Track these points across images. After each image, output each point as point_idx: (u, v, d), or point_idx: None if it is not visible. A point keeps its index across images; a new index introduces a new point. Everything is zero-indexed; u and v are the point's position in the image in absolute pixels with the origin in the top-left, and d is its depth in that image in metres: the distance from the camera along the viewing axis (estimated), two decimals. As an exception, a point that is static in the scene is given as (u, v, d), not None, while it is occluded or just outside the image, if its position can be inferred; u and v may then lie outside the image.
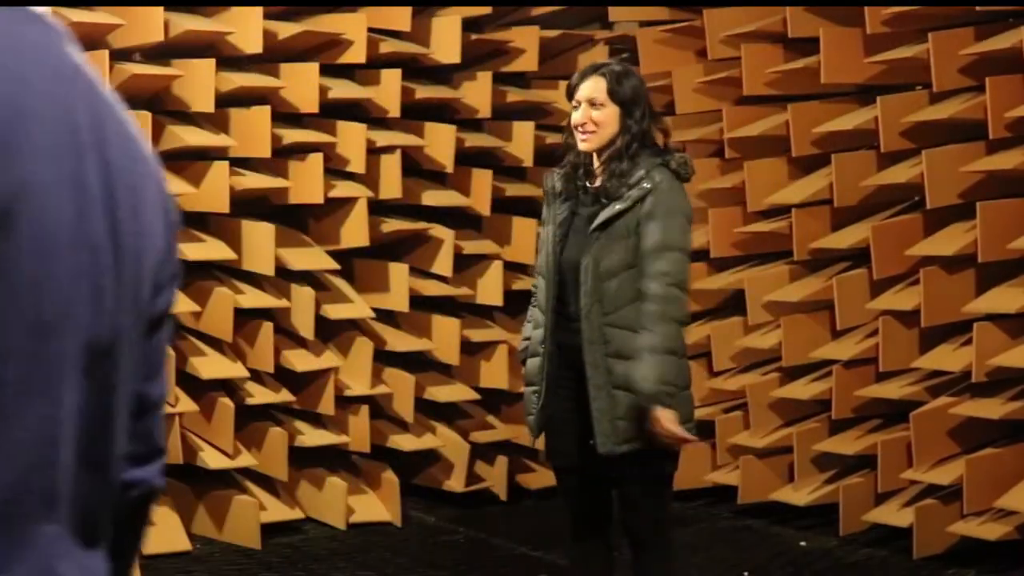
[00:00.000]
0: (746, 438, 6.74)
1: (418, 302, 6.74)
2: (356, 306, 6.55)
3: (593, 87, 4.27)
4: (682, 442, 4.22)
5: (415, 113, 6.73)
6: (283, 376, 6.40)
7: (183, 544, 6.12)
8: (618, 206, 4.20)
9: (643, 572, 4.39)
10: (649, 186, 4.19)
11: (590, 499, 4.41)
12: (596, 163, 4.33)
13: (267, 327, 6.25)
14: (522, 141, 6.98)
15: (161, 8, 5.91)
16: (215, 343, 6.22)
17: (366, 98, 6.55)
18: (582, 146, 4.28)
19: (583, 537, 4.45)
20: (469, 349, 6.90)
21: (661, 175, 4.23)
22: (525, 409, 4.45)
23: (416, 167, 6.77)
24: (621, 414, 4.17)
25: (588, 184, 4.34)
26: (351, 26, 6.40)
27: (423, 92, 6.73)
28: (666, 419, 4.14)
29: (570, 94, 4.33)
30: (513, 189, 7.08)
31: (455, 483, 6.86)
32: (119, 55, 5.95)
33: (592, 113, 4.25)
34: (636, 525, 4.36)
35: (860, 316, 6.37)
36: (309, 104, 6.33)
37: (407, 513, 6.69)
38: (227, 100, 6.16)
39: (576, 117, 4.28)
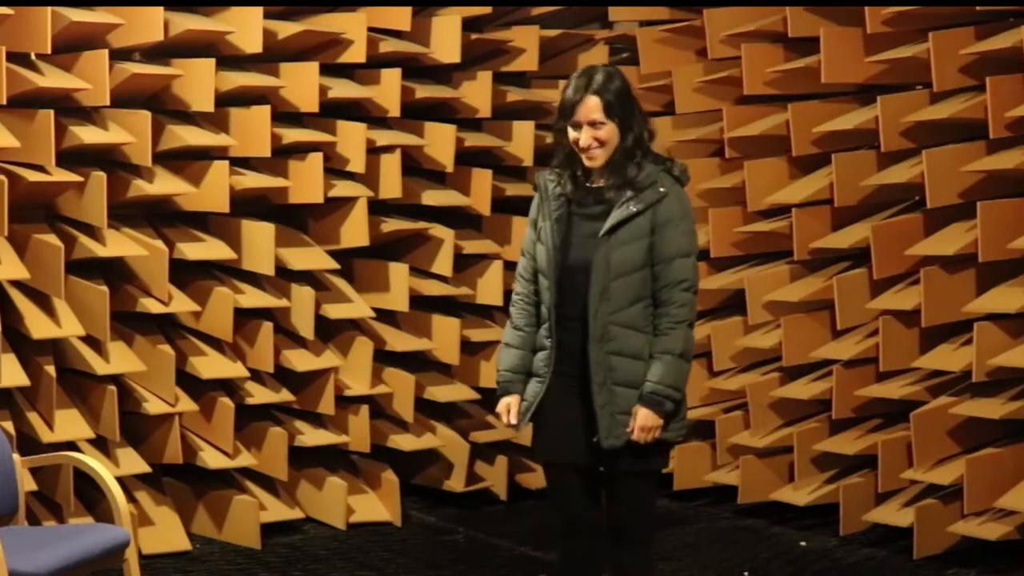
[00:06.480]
0: (746, 438, 6.74)
1: (418, 302, 6.75)
2: (356, 306, 6.55)
3: (591, 108, 4.28)
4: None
5: (415, 113, 6.73)
6: (283, 376, 6.40)
7: (183, 544, 6.13)
8: (633, 207, 4.26)
9: (626, 566, 4.42)
10: (664, 190, 4.28)
11: (585, 496, 4.45)
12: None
13: (267, 327, 6.26)
14: (522, 141, 6.98)
15: (161, 8, 5.92)
16: (215, 343, 6.22)
17: (366, 98, 6.55)
18: (590, 164, 4.32)
19: (575, 535, 4.48)
20: (469, 349, 6.90)
21: (670, 181, 4.33)
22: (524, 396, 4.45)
23: (416, 167, 6.77)
24: (620, 409, 4.28)
25: (589, 184, 4.37)
26: (351, 26, 6.40)
27: (423, 92, 6.73)
28: (646, 422, 4.25)
29: (566, 113, 4.32)
30: (513, 189, 7.07)
31: (455, 483, 6.86)
32: (119, 55, 5.95)
33: (595, 133, 4.30)
34: (625, 518, 4.41)
35: (860, 316, 6.37)
36: (309, 104, 6.33)
37: (407, 513, 6.69)
38: (227, 100, 6.17)
39: (582, 140, 4.30)
